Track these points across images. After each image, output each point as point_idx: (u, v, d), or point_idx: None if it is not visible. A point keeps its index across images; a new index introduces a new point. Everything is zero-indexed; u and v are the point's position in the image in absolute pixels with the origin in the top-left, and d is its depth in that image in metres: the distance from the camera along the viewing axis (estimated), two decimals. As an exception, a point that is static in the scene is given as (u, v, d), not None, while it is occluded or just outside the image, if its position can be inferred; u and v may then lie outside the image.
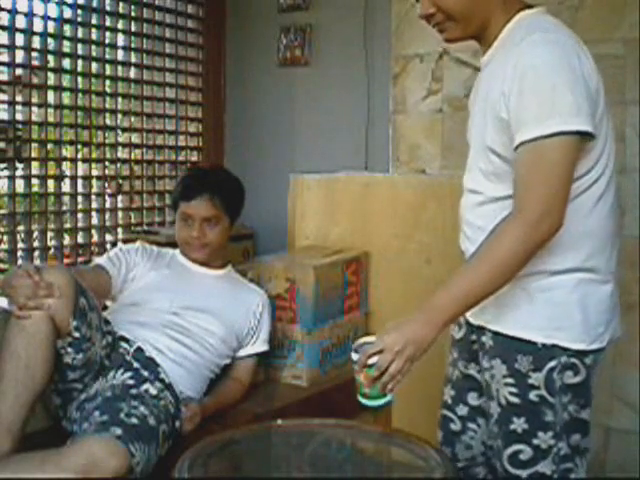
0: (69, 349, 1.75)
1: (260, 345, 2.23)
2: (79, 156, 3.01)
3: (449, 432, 1.67)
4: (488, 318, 1.47)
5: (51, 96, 2.88)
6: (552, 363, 1.41)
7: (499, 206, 1.40)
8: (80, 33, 2.95)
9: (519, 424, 1.44)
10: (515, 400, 1.44)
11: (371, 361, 1.39)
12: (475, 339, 1.56)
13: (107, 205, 3.14)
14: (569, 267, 1.40)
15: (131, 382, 1.87)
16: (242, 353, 2.20)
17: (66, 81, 2.94)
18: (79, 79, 2.96)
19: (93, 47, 2.99)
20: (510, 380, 1.44)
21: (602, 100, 1.36)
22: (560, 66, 1.29)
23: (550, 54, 1.30)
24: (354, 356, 1.42)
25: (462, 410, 1.64)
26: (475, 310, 1.45)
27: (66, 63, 2.93)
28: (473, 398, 1.62)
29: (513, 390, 1.44)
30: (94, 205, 3.06)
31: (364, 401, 1.44)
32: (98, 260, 2.20)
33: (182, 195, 2.18)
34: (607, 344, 1.47)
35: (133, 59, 3.20)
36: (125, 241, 2.84)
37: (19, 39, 2.72)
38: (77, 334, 1.75)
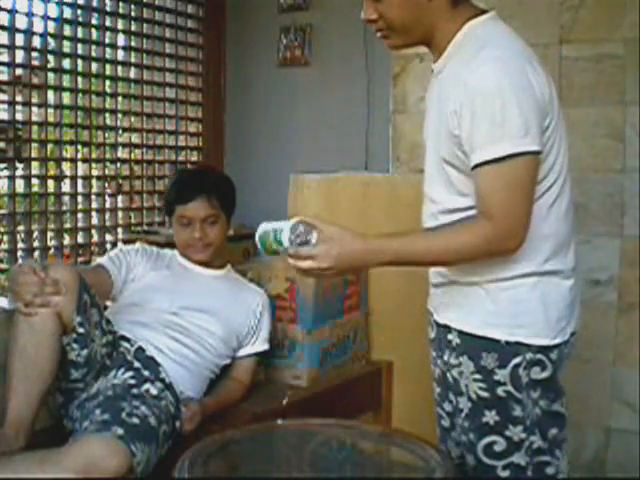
0: (74, 345, 1.76)
1: (260, 345, 2.22)
2: (79, 156, 3.01)
3: (442, 429, 1.68)
4: (452, 317, 1.50)
5: (51, 96, 2.88)
6: (516, 360, 1.43)
7: (458, 217, 1.42)
8: (80, 33, 2.95)
9: (491, 416, 1.47)
10: (485, 394, 1.47)
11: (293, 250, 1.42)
12: (442, 337, 1.58)
13: (107, 205, 3.14)
14: (528, 272, 1.43)
15: (132, 382, 1.87)
16: (242, 353, 2.20)
17: (66, 81, 2.94)
18: (79, 79, 2.96)
19: (93, 47, 2.99)
20: (478, 376, 1.47)
21: (555, 107, 1.39)
22: (508, 85, 1.31)
23: (497, 74, 1.31)
24: (285, 234, 1.42)
25: (448, 407, 1.64)
26: (439, 310, 1.53)
27: (66, 63, 2.93)
28: (452, 396, 1.62)
29: (482, 385, 1.46)
30: (94, 205, 3.06)
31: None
32: (99, 260, 2.20)
33: (178, 198, 2.17)
34: (570, 337, 1.49)
35: (133, 59, 3.20)
36: (125, 241, 2.84)
37: (19, 39, 2.72)
38: (81, 330, 1.76)
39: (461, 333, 1.49)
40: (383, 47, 3.15)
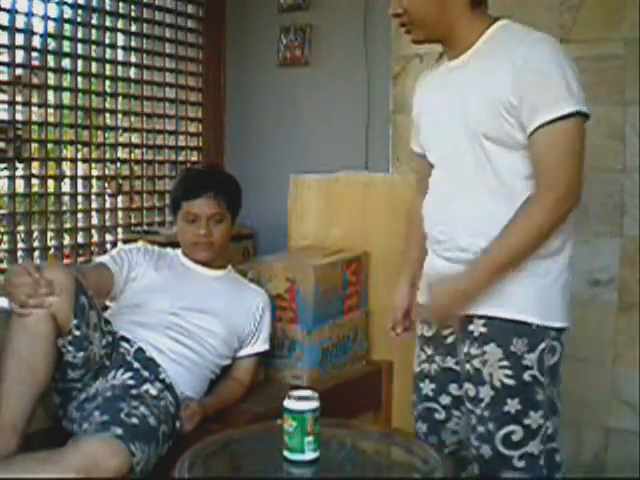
0: (70, 347, 1.75)
1: (260, 345, 2.23)
2: (79, 156, 3.01)
3: (434, 422, 1.75)
4: (478, 307, 1.55)
5: (51, 96, 2.88)
6: (543, 344, 1.52)
7: (488, 194, 1.53)
8: (80, 33, 2.95)
9: (512, 405, 1.53)
10: (510, 382, 1.52)
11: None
12: (448, 333, 1.68)
13: (107, 205, 3.14)
14: (555, 249, 1.53)
15: (131, 382, 1.87)
16: (242, 353, 2.20)
17: (66, 81, 2.94)
18: (79, 79, 2.96)
19: (93, 47, 2.99)
20: (505, 363, 1.53)
21: None
22: (564, 59, 1.46)
23: (555, 49, 1.47)
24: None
25: (445, 400, 1.73)
26: None
27: (66, 63, 2.93)
28: (454, 389, 1.71)
29: (508, 372, 1.52)
30: (94, 205, 3.06)
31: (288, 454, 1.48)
32: (100, 258, 2.20)
33: (186, 195, 2.17)
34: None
35: (133, 59, 3.20)
36: (125, 241, 2.84)
37: (19, 39, 2.71)
38: (78, 332, 1.75)
39: (489, 320, 1.54)
40: (383, 47, 3.17)
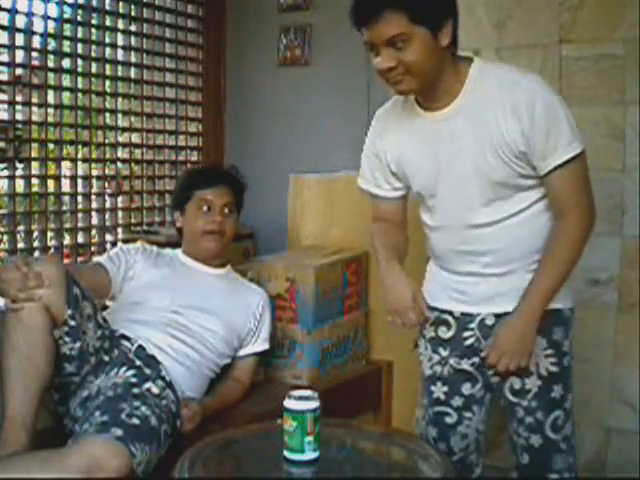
0: (66, 338, 1.76)
1: (260, 345, 2.23)
2: (79, 156, 3.01)
3: (444, 426, 1.76)
4: (514, 303, 1.62)
5: (51, 96, 2.87)
6: (572, 328, 1.68)
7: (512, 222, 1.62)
8: (80, 33, 2.94)
9: (557, 391, 1.65)
10: (554, 369, 1.65)
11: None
12: (470, 335, 1.70)
13: (107, 205, 3.13)
14: None
15: (134, 380, 1.87)
16: (242, 353, 2.20)
17: (66, 81, 2.93)
18: (79, 79, 2.96)
19: (93, 47, 2.99)
20: (550, 351, 1.64)
21: None
22: (557, 98, 1.56)
23: (546, 92, 1.55)
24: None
25: (457, 401, 1.75)
26: (497, 300, 1.65)
27: (66, 63, 2.92)
28: (467, 388, 1.74)
29: (553, 360, 1.64)
30: (94, 205, 3.06)
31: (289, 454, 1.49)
32: (98, 259, 2.20)
33: (200, 183, 2.21)
34: None
35: (133, 59, 3.20)
36: (125, 241, 2.84)
37: (19, 39, 2.71)
38: (73, 322, 1.76)
39: None
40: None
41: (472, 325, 1.71)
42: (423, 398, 1.82)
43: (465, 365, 1.73)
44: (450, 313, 1.74)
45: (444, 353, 1.75)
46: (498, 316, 1.66)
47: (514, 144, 1.53)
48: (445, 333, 1.75)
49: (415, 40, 1.48)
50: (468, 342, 1.72)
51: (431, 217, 1.72)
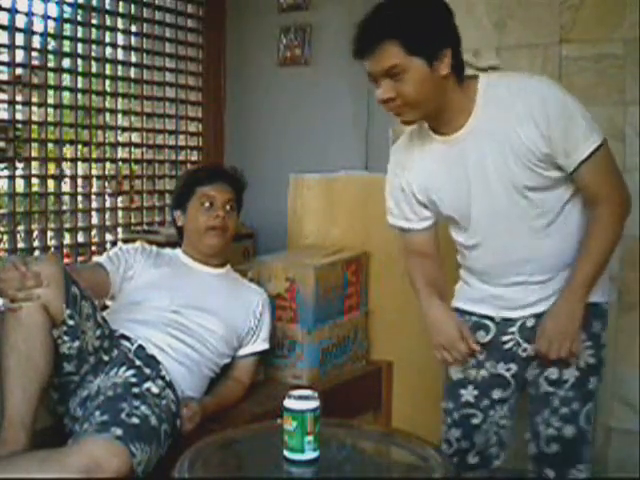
0: (65, 337, 1.76)
1: (260, 345, 2.23)
2: (79, 155, 3.01)
3: (470, 427, 1.79)
4: (554, 299, 1.66)
5: (51, 96, 2.87)
6: (607, 322, 1.73)
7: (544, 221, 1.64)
8: (80, 33, 2.95)
9: (593, 383, 1.69)
10: (592, 361, 1.69)
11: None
12: (509, 339, 1.72)
13: (107, 205, 3.14)
14: None
15: (134, 380, 1.86)
16: (242, 352, 2.20)
17: (66, 81, 2.93)
18: (79, 79, 2.96)
19: (93, 46, 2.99)
20: (589, 343, 1.68)
21: None
22: (569, 96, 1.57)
23: (560, 89, 1.58)
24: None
25: (485, 403, 1.78)
26: (538, 304, 1.68)
27: (66, 63, 2.93)
28: (497, 393, 1.77)
29: (591, 352, 1.68)
30: (94, 205, 3.06)
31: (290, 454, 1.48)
32: (97, 259, 2.20)
33: (202, 180, 2.23)
34: None
35: (133, 58, 3.20)
36: (125, 241, 2.84)
37: (19, 39, 2.71)
38: (71, 322, 1.76)
39: None
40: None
41: (512, 329, 1.73)
42: (447, 402, 1.82)
43: (501, 370, 1.75)
44: (490, 318, 1.75)
45: (480, 357, 1.76)
46: (538, 316, 1.69)
47: (536, 148, 1.54)
48: (483, 337, 1.76)
49: (411, 71, 1.50)
50: (507, 346, 1.73)
51: (468, 236, 1.72)
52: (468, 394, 1.78)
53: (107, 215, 3.13)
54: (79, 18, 2.94)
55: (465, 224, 1.70)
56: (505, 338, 1.74)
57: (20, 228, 2.83)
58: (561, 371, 1.68)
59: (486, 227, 1.68)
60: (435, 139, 1.67)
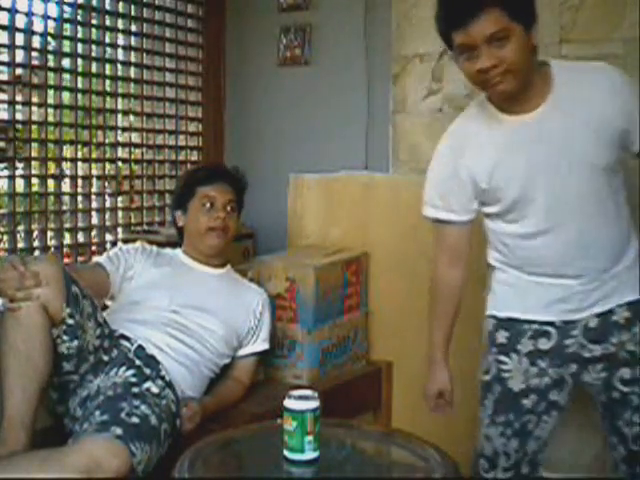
0: (64, 337, 1.76)
1: (260, 345, 2.23)
2: (79, 156, 3.00)
3: (526, 434, 1.76)
4: (616, 298, 1.68)
5: (51, 96, 2.87)
6: None
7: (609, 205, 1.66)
8: (80, 33, 2.94)
9: None
10: None
11: None
12: (573, 342, 1.71)
13: (107, 205, 3.13)
14: None
15: (133, 380, 1.87)
16: (242, 353, 2.20)
17: (66, 81, 2.93)
18: (79, 79, 2.95)
19: (93, 47, 2.99)
20: None
21: None
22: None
23: (621, 72, 1.63)
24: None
25: (541, 407, 1.76)
26: (600, 302, 1.68)
27: (66, 63, 2.92)
28: (554, 394, 1.76)
29: None
30: (94, 205, 3.06)
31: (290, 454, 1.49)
32: (97, 259, 2.20)
33: (203, 180, 2.24)
34: None
35: (133, 59, 3.20)
36: (125, 241, 2.84)
37: (19, 39, 2.71)
38: (71, 321, 1.76)
39: (631, 305, 1.69)
40: (383, 47, 3.16)
41: (575, 332, 1.71)
42: (506, 415, 1.77)
43: (565, 374, 1.74)
44: (551, 324, 1.72)
45: (543, 364, 1.73)
46: (599, 316, 1.69)
47: (617, 123, 1.58)
48: (545, 344, 1.73)
49: (514, 37, 1.49)
50: (570, 350, 1.72)
51: (529, 224, 1.67)
52: (529, 402, 1.75)
53: (107, 215, 3.12)
54: (79, 18, 2.93)
55: (525, 211, 1.65)
56: (568, 342, 1.72)
57: (20, 228, 2.83)
58: (635, 370, 1.67)
59: (558, 211, 1.64)
60: (501, 120, 1.64)
